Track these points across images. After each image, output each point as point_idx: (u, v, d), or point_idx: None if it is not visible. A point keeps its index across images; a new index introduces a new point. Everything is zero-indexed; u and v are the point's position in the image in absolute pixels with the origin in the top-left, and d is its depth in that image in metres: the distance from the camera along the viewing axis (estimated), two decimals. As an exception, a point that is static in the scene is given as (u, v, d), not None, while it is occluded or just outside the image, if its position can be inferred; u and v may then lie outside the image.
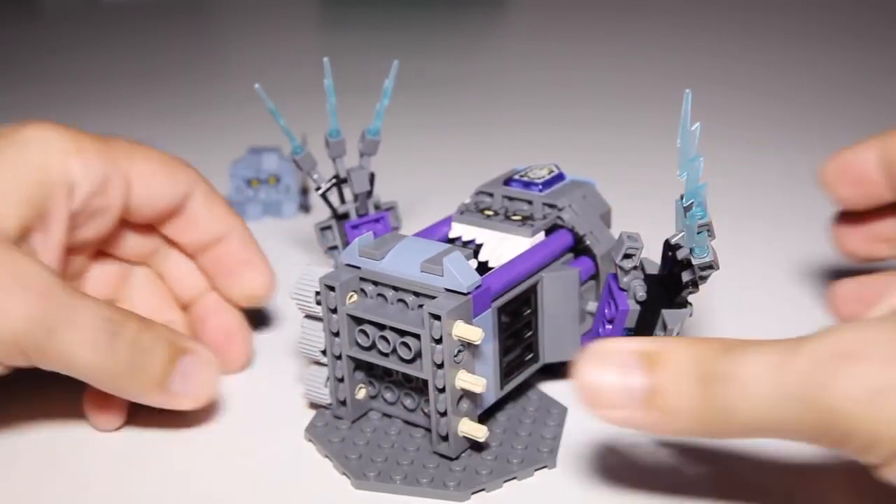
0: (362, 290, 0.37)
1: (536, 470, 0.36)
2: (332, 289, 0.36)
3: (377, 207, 0.48)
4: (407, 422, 0.39)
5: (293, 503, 0.36)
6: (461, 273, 0.34)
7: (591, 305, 0.42)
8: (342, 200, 0.48)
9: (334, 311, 0.37)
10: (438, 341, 0.34)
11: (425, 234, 0.43)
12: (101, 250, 0.41)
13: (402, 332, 0.36)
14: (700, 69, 1.00)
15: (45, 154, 0.33)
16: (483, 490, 0.35)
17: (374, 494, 0.36)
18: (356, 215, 0.47)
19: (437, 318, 0.33)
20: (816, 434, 0.26)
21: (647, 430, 0.29)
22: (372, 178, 0.47)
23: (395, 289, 0.36)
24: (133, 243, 0.41)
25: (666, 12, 1.31)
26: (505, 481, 0.36)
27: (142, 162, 0.37)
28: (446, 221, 0.44)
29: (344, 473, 0.37)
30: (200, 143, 0.77)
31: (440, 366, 0.34)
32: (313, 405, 0.41)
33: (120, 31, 1.31)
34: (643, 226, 0.41)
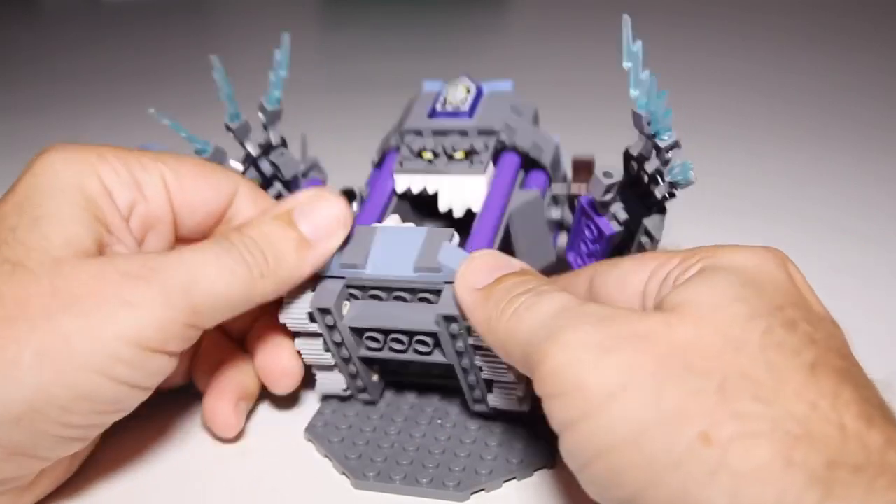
0: (352, 296, 0.36)
1: (536, 470, 0.36)
2: (326, 311, 0.35)
3: (304, 175, 0.46)
4: (421, 384, 0.40)
5: (293, 503, 0.36)
6: (458, 265, 0.34)
7: (554, 212, 0.42)
8: (275, 168, 0.45)
9: (332, 326, 0.36)
10: (455, 336, 0.34)
11: (372, 193, 0.41)
12: None
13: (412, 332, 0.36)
14: (700, 69, 0.99)
15: (76, 173, 0.33)
16: (483, 490, 0.36)
17: (374, 494, 0.36)
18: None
19: (453, 319, 0.33)
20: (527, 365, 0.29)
21: (473, 327, 0.32)
22: (304, 140, 0.45)
23: (389, 289, 0.36)
24: None
25: (666, 12, 1.31)
26: (505, 481, 0.36)
27: (174, 162, 0.36)
28: (386, 174, 0.42)
29: (344, 473, 0.37)
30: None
31: (462, 353, 0.35)
32: (325, 397, 0.40)
33: (120, 31, 1.31)
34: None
